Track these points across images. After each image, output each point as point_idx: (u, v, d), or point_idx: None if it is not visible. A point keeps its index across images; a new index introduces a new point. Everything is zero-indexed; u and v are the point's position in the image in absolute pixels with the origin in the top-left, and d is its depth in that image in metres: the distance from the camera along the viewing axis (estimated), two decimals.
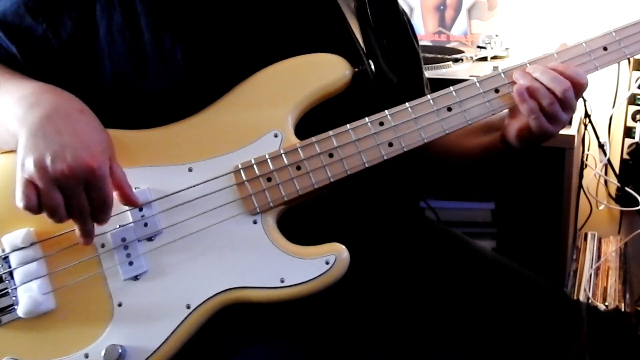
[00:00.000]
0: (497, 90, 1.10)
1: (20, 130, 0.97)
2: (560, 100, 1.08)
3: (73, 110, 1.00)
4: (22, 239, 1.02)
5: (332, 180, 1.04)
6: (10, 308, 1.02)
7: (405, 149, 1.06)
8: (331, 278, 1.00)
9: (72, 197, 0.94)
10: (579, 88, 1.09)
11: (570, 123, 1.80)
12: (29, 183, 0.94)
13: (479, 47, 2.22)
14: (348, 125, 1.06)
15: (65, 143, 0.94)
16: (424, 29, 2.43)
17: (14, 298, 1.02)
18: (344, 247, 1.02)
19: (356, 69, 1.10)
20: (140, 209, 1.03)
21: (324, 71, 1.09)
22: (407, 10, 2.36)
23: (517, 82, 1.09)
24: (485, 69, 1.99)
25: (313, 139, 1.05)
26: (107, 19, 1.06)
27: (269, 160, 1.04)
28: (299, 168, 1.04)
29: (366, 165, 1.05)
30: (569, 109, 1.10)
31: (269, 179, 1.04)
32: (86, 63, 1.07)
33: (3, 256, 1.02)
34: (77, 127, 0.97)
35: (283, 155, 1.04)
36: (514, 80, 1.10)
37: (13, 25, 1.06)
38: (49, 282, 1.02)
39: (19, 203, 0.95)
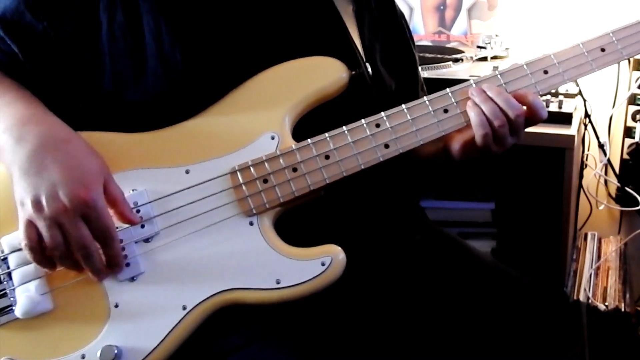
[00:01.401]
0: None
1: (12, 166, 0.99)
2: (511, 124, 1.08)
3: (58, 141, 1.00)
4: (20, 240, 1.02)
5: (328, 181, 1.05)
6: (8, 309, 1.02)
7: (401, 151, 1.07)
8: (327, 280, 1.00)
9: (71, 231, 0.95)
10: (535, 117, 1.10)
11: (570, 123, 1.80)
12: (30, 224, 0.96)
13: (479, 47, 2.21)
14: (344, 127, 1.06)
15: (56, 180, 0.96)
16: (424, 29, 2.43)
17: (12, 299, 1.02)
18: (340, 248, 1.02)
19: (353, 72, 1.10)
20: (138, 211, 1.03)
21: (321, 74, 1.09)
22: (407, 10, 2.36)
23: (472, 98, 1.09)
24: (485, 69, 1.98)
25: (309, 140, 1.05)
26: (109, 17, 1.06)
27: (265, 162, 1.04)
28: (295, 170, 1.04)
29: (362, 167, 1.05)
30: (517, 134, 1.10)
31: (265, 181, 1.04)
32: (86, 62, 1.08)
33: (2, 257, 1.03)
34: (65, 159, 0.98)
35: (279, 156, 1.04)
36: (468, 96, 1.10)
37: (13, 22, 1.07)
38: (46, 283, 1.02)
39: (23, 244, 0.97)
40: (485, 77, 1.11)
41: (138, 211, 1.03)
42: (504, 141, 1.10)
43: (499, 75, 1.11)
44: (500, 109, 1.07)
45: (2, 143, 1.00)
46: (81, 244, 0.96)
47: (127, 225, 1.02)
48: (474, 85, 1.10)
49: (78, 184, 0.96)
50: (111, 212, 1.00)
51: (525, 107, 1.09)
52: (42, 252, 0.97)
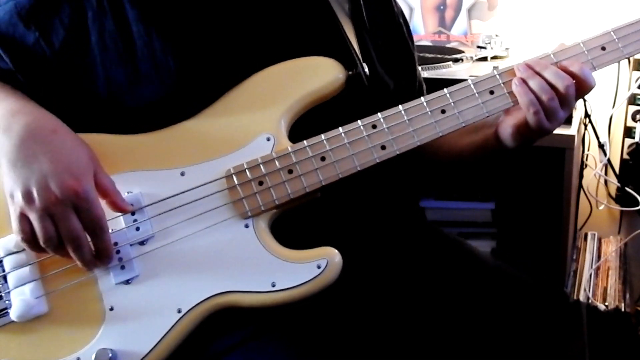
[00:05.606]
0: (492, 92, 1.09)
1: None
2: (561, 97, 1.06)
3: (46, 132, 1.00)
4: (15, 243, 1.01)
5: (323, 183, 1.04)
6: (3, 312, 1.02)
7: (398, 152, 1.06)
8: (322, 282, 1.00)
9: (62, 222, 0.95)
10: (584, 86, 1.08)
11: (570, 123, 1.80)
12: (23, 216, 0.96)
13: (479, 47, 2.21)
14: (340, 129, 1.05)
15: (46, 171, 0.95)
16: (424, 29, 2.42)
17: (7, 302, 1.02)
18: (336, 251, 1.01)
19: (350, 72, 1.09)
20: (133, 213, 1.03)
21: (317, 74, 1.08)
22: (407, 10, 2.36)
23: (517, 74, 1.08)
24: (485, 69, 1.98)
25: (305, 142, 1.04)
26: (98, 25, 1.05)
27: (260, 164, 1.03)
28: (290, 172, 1.04)
29: (359, 169, 1.05)
30: (568, 106, 1.08)
31: (260, 183, 1.03)
32: (79, 71, 1.07)
33: None
34: (54, 149, 0.98)
35: (275, 158, 1.04)
36: (514, 72, 1.09)
37: (7, 34, 1.06)
38: (41, 286, 1.02)
39: (18, 237, 0.97)
40: (482, 76, 1.10)
41: (133, 214, 1.03)
42: (556, 115, 1.07)
43: (497, 76, 1.09)
44: (548, 82, 1.06)
45: None
46: (72, 235, 0.96)
47: (122, 226, 1.02)
48: (472, 84, 1.09)
49: (68, 174, 0.96)
50: (103, 202, 1.00)
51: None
52: (37, 242, 0.97)
